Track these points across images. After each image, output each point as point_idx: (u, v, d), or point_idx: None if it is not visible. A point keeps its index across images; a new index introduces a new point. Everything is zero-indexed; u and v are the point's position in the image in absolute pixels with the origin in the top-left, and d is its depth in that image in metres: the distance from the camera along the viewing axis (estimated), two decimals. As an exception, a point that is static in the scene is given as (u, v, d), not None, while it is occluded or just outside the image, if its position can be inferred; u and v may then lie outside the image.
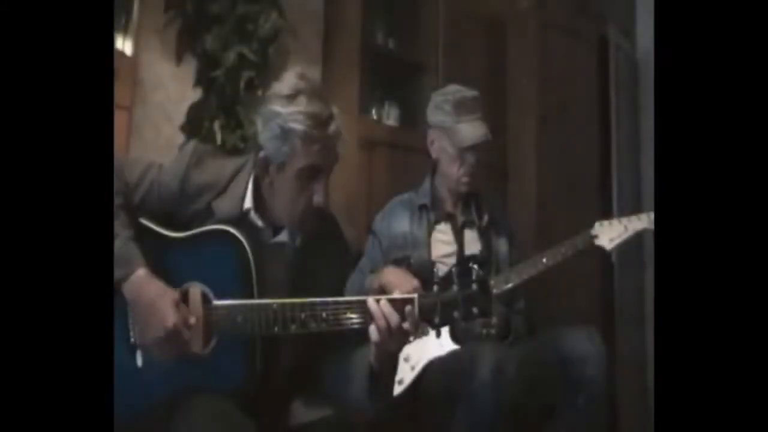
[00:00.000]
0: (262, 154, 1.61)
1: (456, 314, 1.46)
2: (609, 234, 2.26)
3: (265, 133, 1.60)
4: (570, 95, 3.67)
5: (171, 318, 1.49)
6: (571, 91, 3.68)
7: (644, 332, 3.80)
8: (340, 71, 3.22)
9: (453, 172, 2.35)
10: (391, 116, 3.48)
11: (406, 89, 3.57)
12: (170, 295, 1.52)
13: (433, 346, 2.11)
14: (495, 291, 2.16)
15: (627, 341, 3.65)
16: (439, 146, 2.39)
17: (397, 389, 2.08)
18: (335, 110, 1.62)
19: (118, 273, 1.51)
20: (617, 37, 3.96)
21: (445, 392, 1.97)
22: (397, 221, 2.37)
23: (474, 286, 1.45)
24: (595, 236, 2.27)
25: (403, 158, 3.23)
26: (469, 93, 2.37)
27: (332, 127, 1.60)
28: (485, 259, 2.26)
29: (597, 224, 2.29)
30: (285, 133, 1.57)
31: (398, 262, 2.25)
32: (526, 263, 2.26)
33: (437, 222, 2.37)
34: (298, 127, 1.56)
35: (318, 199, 1.60)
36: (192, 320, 1.52)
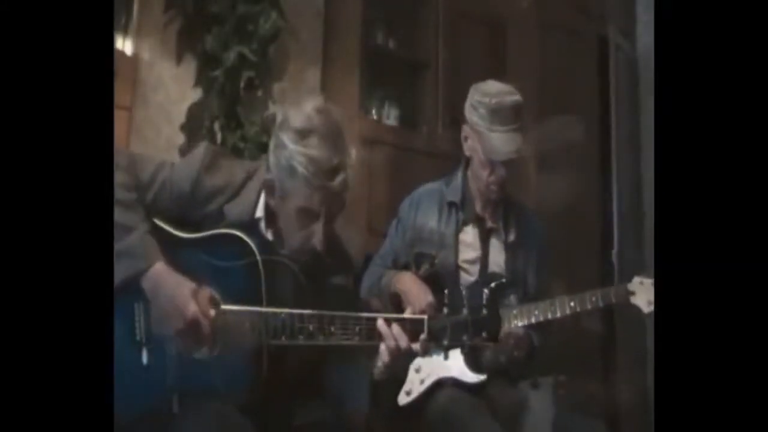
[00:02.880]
0: (269, 176, 1.59)
1: (465, 338, 1.46)
2: (648, 295, 2.07)
3: (272, 158, 1.56)
4: (570, 95, 3.67)
5: (191, 308, 1.49)
6: (571, 91, 3.68)
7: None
8: (340, 71, 3.22)
9: (483, 177, 2.21)
10: (391, 116, 3.48)
11: (406, 89, 3.57)
12: (189, 286, 1.52)
13: (446, 364, 2.09)
14: (517, 323, 2.06)
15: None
16: (472, 145, 2.23)
17: (405, 399, 2.08)
18: (352, 154, 1.54)
19: (136, 266, 1.50)
20: (617, 37, 3.96)
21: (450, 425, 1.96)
22: (425, 213, 2.26)
23: (484, 311, 1.46)
24: (632, 293, 2.09)
25: (403, 158, 3.23)
26: (509, 99, 2.16)
27: (339, 178, 1.52)
28: (509, 282, 2.16)
29: (636, 279, 2.10)
30: (290, 169, 1.52)
31: (422, 258, 2.20)
32: (553, 302, 2.11)
33: (465, 223, 2.25)
34: (301, 170, 1.51)
35: (315, 242, 1.56)
36: (212, 312, 1.51)
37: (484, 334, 1.45)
